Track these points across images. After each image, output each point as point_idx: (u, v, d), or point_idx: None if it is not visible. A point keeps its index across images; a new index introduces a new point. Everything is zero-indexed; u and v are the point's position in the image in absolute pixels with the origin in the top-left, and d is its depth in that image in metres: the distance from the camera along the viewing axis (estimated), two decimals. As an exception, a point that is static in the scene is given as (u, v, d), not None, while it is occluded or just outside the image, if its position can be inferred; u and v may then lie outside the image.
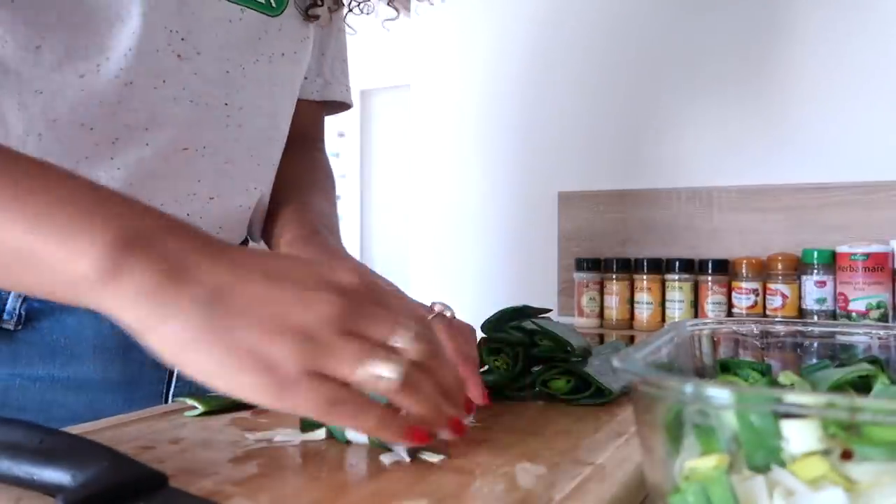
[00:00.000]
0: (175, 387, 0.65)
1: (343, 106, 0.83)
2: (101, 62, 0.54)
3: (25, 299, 0.58)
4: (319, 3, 0.70)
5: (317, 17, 0.70)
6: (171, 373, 0.65)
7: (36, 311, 0.58)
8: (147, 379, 0.63)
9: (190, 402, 0.52)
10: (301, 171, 0.76)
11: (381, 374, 0.35)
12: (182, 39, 0.58)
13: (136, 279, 0.35)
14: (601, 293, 1.34)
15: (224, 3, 0.61)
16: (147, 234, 0.36)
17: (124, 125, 0.57)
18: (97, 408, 0.60)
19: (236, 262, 0.37)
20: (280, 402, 0.35)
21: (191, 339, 0.34)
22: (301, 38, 0.70)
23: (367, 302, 0.37)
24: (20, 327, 0.58)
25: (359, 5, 0.74)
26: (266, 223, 0.72)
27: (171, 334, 0.35)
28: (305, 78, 0.77)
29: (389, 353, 0.37)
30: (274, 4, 0.66)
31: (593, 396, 0.53)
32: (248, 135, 0.65)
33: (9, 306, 0.57)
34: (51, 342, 0.59)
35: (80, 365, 0.59)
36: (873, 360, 0.44)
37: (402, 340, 0.37)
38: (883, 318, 1.13)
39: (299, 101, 0.76)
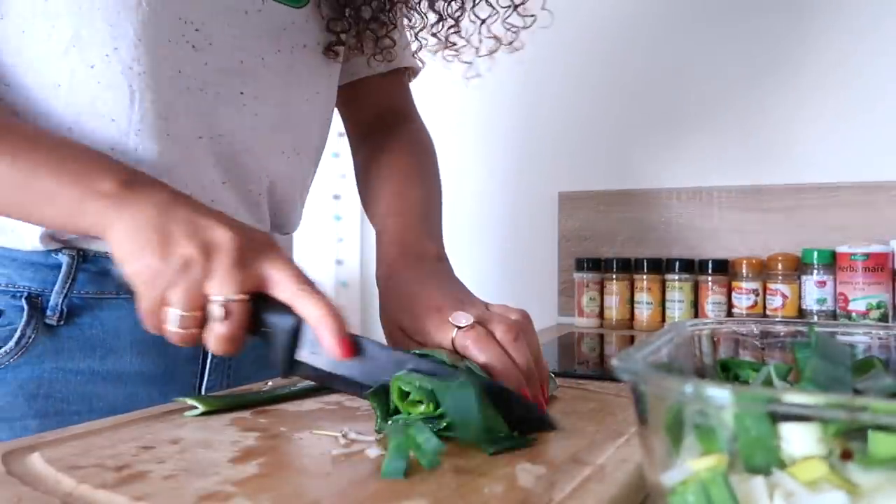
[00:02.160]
0: (207, 380, 0.67)
1: (412, 72, 0.84)
2: (109, 52, 0.55)
3: (67, 296, 0.59)
4: (341, 42, 0.70)
5: (336, 55, 0.71)
6: (204, 367, 0.66)
7: (77, 308, 0.60)
8: (181, 372, 0.65)
9: (190, 402, 0.52)
10: (393, 155, 0.76)
11: (170, 321, 0.47)
12: (196, 30, 0.59)
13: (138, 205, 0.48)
14: (601, 293, 1.34)
15: None
16: (134, 179, 0.50)
17: (143, 116, 0.57)
18: (135, 400, 0.62)
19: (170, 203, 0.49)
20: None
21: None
22: (325, 29, 0.70)
23: (220, 264, 0.47)
24: (62, 323, 0.59)
25: (381, 52, 0.74)
26: (367, 211, 0.75)
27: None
28: (364, 53, 0.76)
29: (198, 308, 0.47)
30: None
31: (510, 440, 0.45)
32: (263, 123, 0.65)
33: (51, 303, 0.59)
34: (91, 337, 0.61)
35: (118, 358, 0.61)
36: (873, 360, 0.44)
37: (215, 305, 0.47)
38: (883, 318, 1.13)
39: (372, 78, 0.79)
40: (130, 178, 0.50)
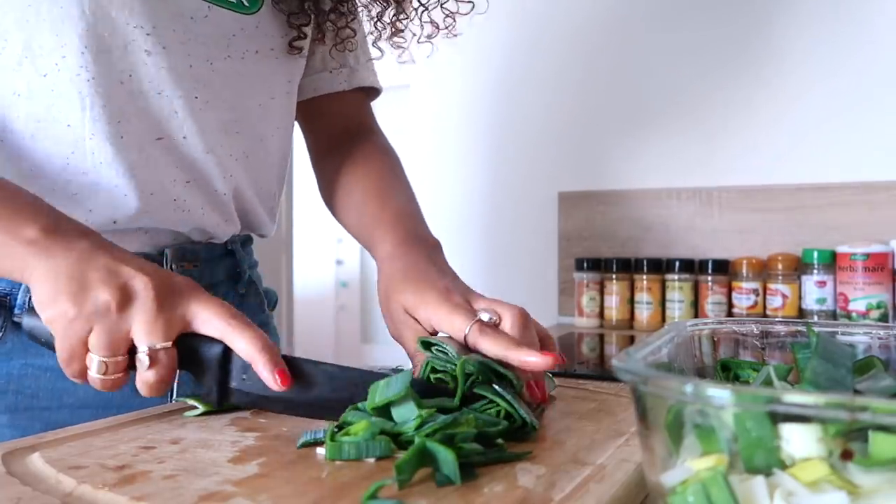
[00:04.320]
0: (179, 376, 0.66)
1: (375, 91, 0.85)
2: (58, 61, 0.57)
3: None
4: (303, 35, 0.71)
5: (300, 50, 0.72)
6: None
7: None
8: None
9: (190, 402, 0.52)
10: (367, 162, 0.78)
11: (92, 367, 0.48)
12: (147, 34, 0.60)
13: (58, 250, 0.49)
14: (601, 293, 1.34)
15: None
16: (58, 227, 0.50)
17: (95, 120, 0.59)
18: (106, 396, 0.62)
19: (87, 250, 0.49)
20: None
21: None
22: (281, 35, 0.71)
23: (141, 309, 0.47)
24: None
25: (342, 42, 0.76)
26: (348, 215, 0.77)
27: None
28: (330, 72, 0.79)
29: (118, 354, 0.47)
30: (247, 3, 0.67)
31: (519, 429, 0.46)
32: (217, 127, 0.66)
33: (19, 300, 0.60)
34: None
35: None
36: (873, 360, 0.44)
37: (140, 356, 0.47)
38: (883, 318, 1.13)
39: (334, 95, 0.80)
40: (54, 225, 0.50)
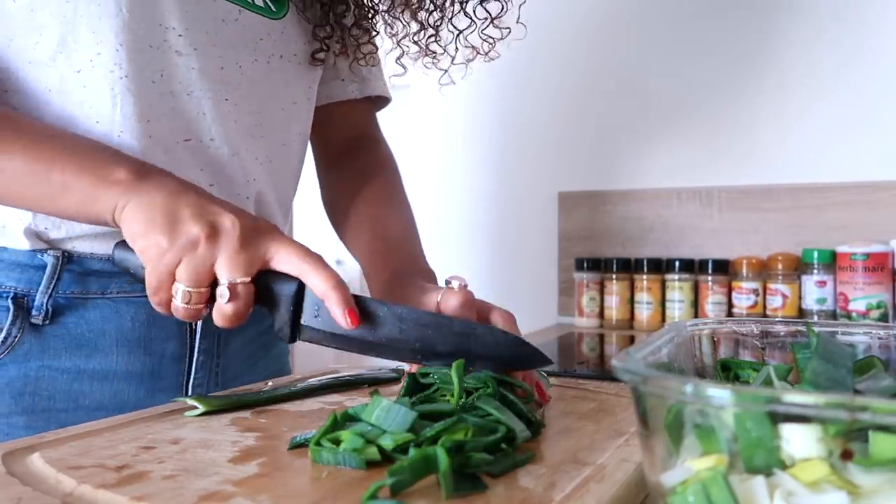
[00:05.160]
0: (194, 379, 0.67)
1: (384, 100, 0.87)
2: (92, 58, 0.57)
3: (51, 296, 0.60)
4: (325, 47, 0.72)
5: (322, 62, 0.73)
6: (191, 365, 0.67)
7: (62, 307, 0.61)
8: (168, 371, 0.66)
9: (190, 402, 0.52)
10: (369, 184, 0.80)
11: (177, 296, 0.50)
12: (179, 35, 0.61)
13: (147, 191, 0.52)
14: (601, 293, 1.34)
15: (221, 1, 0.63)
16: (146, 169, 0.53)
17: (125, 118, 0.59)
18: (122, 398, 0.63)
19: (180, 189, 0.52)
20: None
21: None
22: (305, 42, 0.72)
23: (230, 245, 0.50)
24: (47, 322, 0.60)
25: (364, 57, 0.77)
26: (347, 237, 0.79)
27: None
28: (342, 80, 0.81)
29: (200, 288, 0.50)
30: (274, 8, 0.68)
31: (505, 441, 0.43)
32: (241, 130, 0.67)
33: (37, 302, 0.60)
34: (76, 336, 0.61)
35: (104, 357, 0.62)
36: (873, 360, 0.44)
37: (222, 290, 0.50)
38: (883, 318, 1.13)
39: (344, 103, 0.82)
40: (143, 168, 0.53)
